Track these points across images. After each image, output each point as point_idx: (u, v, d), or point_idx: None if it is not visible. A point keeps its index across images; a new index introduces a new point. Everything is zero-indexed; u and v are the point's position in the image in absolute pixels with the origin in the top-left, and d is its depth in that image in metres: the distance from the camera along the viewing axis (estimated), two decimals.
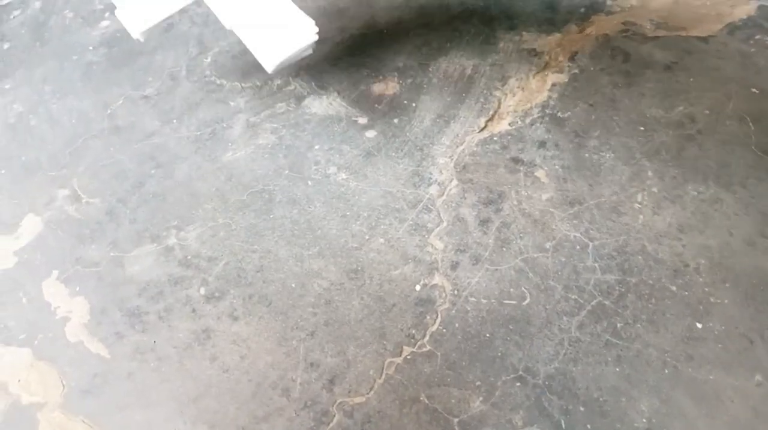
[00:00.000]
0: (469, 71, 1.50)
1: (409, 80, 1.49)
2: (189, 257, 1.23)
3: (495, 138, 1.37)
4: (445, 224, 1.24)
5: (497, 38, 1.57)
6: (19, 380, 1.13)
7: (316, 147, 1.38)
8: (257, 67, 1.50)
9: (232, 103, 1.47)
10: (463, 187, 1.29)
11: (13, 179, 1.38)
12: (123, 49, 1.56)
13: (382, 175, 1.32)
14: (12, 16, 1.72)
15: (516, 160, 1.33)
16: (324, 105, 1.45)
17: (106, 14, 1.73)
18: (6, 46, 1.64)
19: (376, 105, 1.45)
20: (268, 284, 1.19)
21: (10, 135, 1.45)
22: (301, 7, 1.46)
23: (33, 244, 1.28)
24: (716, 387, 1.02)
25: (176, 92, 1.49)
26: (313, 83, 1.50)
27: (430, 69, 1.51)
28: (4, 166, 1.40)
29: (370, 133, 1.40)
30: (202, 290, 1.18)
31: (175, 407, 1.08)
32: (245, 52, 1.58)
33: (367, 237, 1.23)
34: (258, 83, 1.50)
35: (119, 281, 1.22)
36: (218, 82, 1.51)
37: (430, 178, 1.31)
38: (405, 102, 1.45)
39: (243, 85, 1.50)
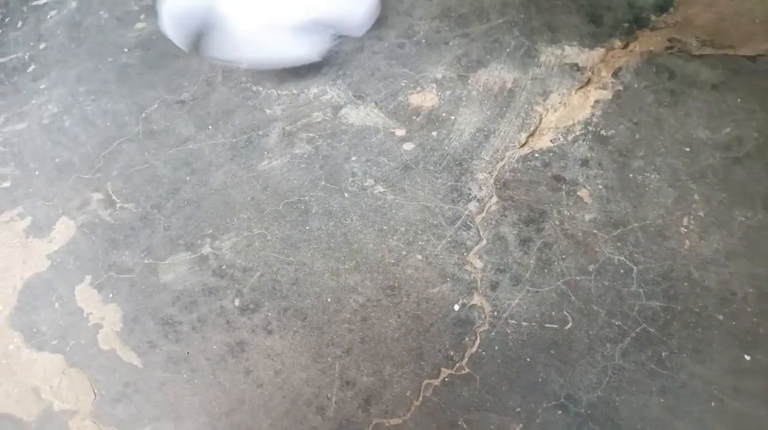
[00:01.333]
0: (509, 85, 1.49)
1: (448, 92, 1.48)
2: (224, 267, 1.23)
3: (536, 154, 1.36)
4: (484, 242, 1.23)
5: (538, 51, 1.55)
6: (51, 387, 1.13)
7: (353, 158, 1.37)
8: (294, 75, 1.50)
9: (268, 111, 1.47)
10: (504, 205, 1.28)
11: (47, 181, 1.38)
12: (158, 51, 1.57)
13: (420, 190, 1.31)
14: (49, 16, 1.73)
15: (558, 179, 1.32)
16: (361, 115, 1.45)
17: (142, 16, 1.73)
18: (42, 46, 1.65)
19: (414, 117, 1.44)
20: (303, 297, 1.18)
21: (45, 136, 1.46)
22: None
23: (66, 248, 1.28)
24: (764, 424, 1.00)
25: (212, 98, 1.50)
26: (350, 93, 1.49)
27: (470, 81, 1.50)
28: (38, 168, 1.41)
29: (408, 146, 1.39)
30: (237, 302, 1.18)
31: (207, 421, 1.08)
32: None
33: (404, 253, 1.22)
34: (294, 91, 1.50)
35: (153, 289, 1.22)
36: (254, 88, 1.51)
37: (470, 194, 1.30)
38: (444, 115, 1.44)
39: (279, 92, 1.50)
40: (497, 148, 1.37)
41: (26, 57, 1.64)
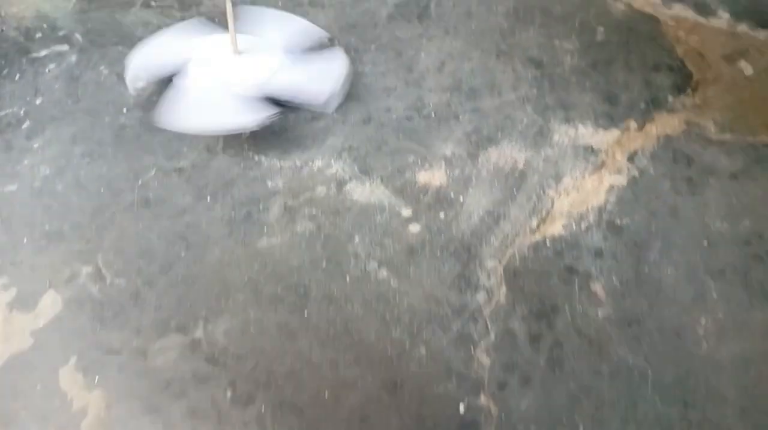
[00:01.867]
0: (521, 165, 1.50)
1: (457, 171, 1.49)
2: (216, 354, 1.21)
3: (548, 242, 1.36)
4: (492, 337, 1.22)
5: (551, 130, 1.57)
6: None
7: (357, 239, 1.37)
8: (298, 146, 1.51)
9: (269, 183, 1.47)
10: (513, 297, 1.27)
11: (35, 250, 1.37)
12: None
13: (426, 276, 1.31)
14: (47, 69, 1.75)
15: (570, 270, 1.31)
16: (366, 192, 1.45)
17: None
18: (39, 101, 1.66)
19: (422, 196, 1.45)
20: (300, 391, 1.16)
21: (36, 200, 1.46)
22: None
23: (52, 325, 1.26)
24: None
25: (212, 166, 1.50)
26: (356, 167, 1.50)
27: (480, 160, 1.51)
28: (26, 235, 1.40)
29: (414, 227, 1.39)
30: (229, 393, 1.16)
31: None
32: (285, 127, 1.59)
33: (407, 346, 1.21)
34: (298, 163, 1.51)
35: (141, 373, 1.20)
36: (256, 158, 1.51)
37: (478, 284, 1.29)
38: (452, 195, 1.45)
39: (282, 163, 1.50)
40: (507, 234, 1.37)
41: (21, 112, 1.65)
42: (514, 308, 1.26)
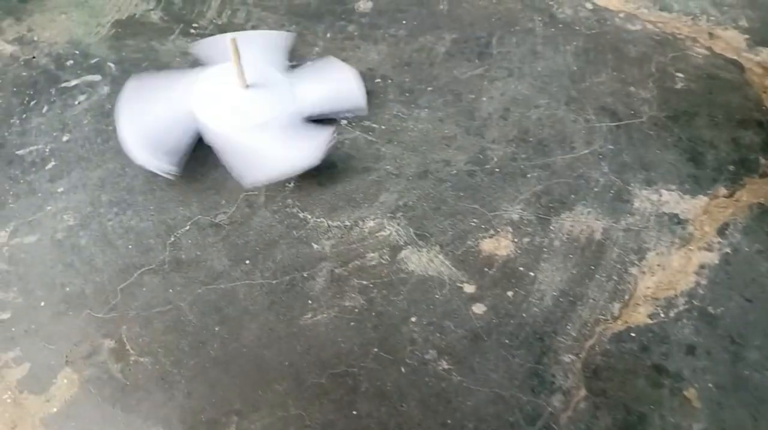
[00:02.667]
0: (598, 236, 1.28)
1: (526, 239, 1.28)
2: None
3: (632, 333, 1.15)
4: None
5: (631, 194, 1.35)
6: None
7: (413, 319, 1.17)
8: (347, 201, 1.32)
9: (315, 246, 1.27)
10: (595, 402, 1.06)
11: (53, 316, 1.19)
12: (194, 158, 1.38)
13: (494, 370, 1.10)
14: (77, 101, 1.57)
15: (659, 370, 1.10)
16: (423, 261, 1.25)
17: None
18: (66, 137, 1.49)
19: (486, 269, 1.24)
20: None
21: (56, 255, 1.27)
22: (399, 129, 1.44)
23: (66, 412, 1.08)
24: None
25: (252, 223, 1.31)
26: (411, 231, 1.29)
27: (552, 227, 1.30)
28: (44, 297, 1.22)
29: (479, 308, 1.18)
30: None
31: None
32: (334, 179, 1.39)
33: None
34: (347, 223, 1.31)
35: None
36: (301, 215, 1.32)
37: (553, 384, 1.08)
38: (521, 269, 1.23)
39: (330, 223, 1.31)
40: (585, 321, 1.16)
41: (47, 150, 1.47)
42: (596, 416, 1.05)
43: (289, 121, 1.41)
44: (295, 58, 1.64)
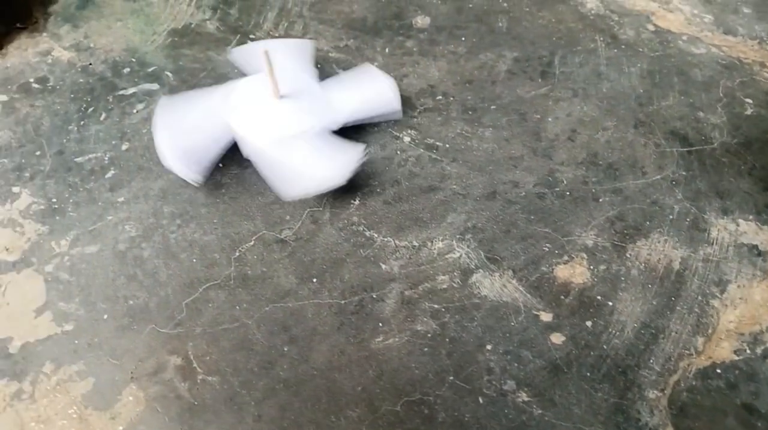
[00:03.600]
0: (676, 265, 1.22)
1: (602, 267, 1.22)
2: None
3: (718, 369, 1.08)
4: None
5: (707, 223, 1.29)
6: None
7: (488, 347, 1.11)
8: (414, 220, 1.27)
9: (383, 266, 1.21)
10: None
11: (117, 330, 1.14)
12: (254, 171, 1.34)
13: (576, 405, 1.04)
14: (135, 110, 1.53)
15: (749, 409, 1.03)
16: (496, 286, 1.19)
17: None
18: (125, 146, 1.44)
19: (562, 296, 1.17)
20: None
21: (118, 266, 1.23)
22: (464, 148, 1.40)
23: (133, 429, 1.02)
24: None
25: (318, 240, 1.25)
26: (482, 253, 1.24)
27: (628, 254, 1.24)
28: (107, 310, 1.17)
29: (557, 338, 1.12)
30: None
31: None
32: (399, 197, 1.34)
33: None
34: (415, 243, 1.25)
35: None
36: (368, 233, 1.26)
37: (639, 421, 1.02)
38: (599, 298, 1.17)
39: (397, 242, 1.25)
40: (669, 355, 1.10)
41: (106, 158, 1.43)
42: None
43: (321, 133, 1.38)
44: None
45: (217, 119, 1.38)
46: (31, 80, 1.64)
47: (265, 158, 1.32)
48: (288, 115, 1.38)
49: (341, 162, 1.30)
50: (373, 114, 1.48)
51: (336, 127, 1.38)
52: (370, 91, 1.51)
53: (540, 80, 1.62)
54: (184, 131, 1.40)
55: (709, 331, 1.15)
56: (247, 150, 1.34)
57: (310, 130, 1.36)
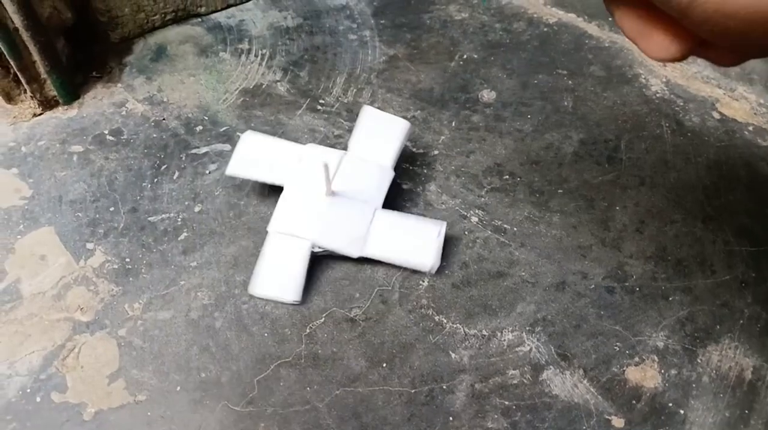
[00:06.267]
0: (748, 375, 1.20)
1: (673, 371, 1.20)
2: None
3: None
4: None
5: None
6: None
7: None
8: (483, 307, 1.26)
9: (453, 355, 1.20)
10: None
11: (190, 405, 1.14)
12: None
13: None
14: (208, 171, 1.55)
15: None
16: (568, 386, 1.17)
17: None
18: (197, 208, 1.46)
19: (634, 401, 1.16)
20: None
21: (191, 336, 1.23)
22: (532, 233, 1.39)
23: None
24: None
25: (387, 322, 1.25)
26: (552, 349, 1.22)
27: (699, 360, 1.21)
28: (180, 382, 1.17)
29: None
30: None
31: None
32: (468, 282, 1.33)
33: None
34: (485, 332, 1.24)
35: None
36: (437, 318, 1.26)
37: None
38: (670, 405, 1.15)
39: (467, 330, 1.24)
40: None
41: (179, 220, 1.44)
42: None
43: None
44: (422, 146, 1.61)
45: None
46: (106, 132, 1.68)
47: (378, 253, 1.35)
48: (356, 204, 1.40)
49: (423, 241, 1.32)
50: (402, 137, 1.49)
51: (392, 176, 1.44)
52: (381, 128, 1.48)
53: (607, 165, 1.62)
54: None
55: None
56: (355, 256, 1.35)
57: (378, 206, 1.41)
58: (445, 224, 1.35)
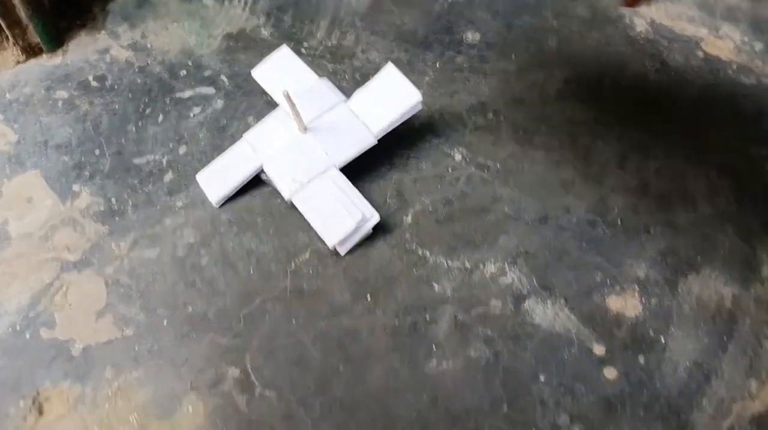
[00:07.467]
0: (728, 304, 1.17)
1: (654, 300, 1.17)
2: None
3: None
4: None
5: (759, 261, 1.24)
6: None
7: (542, 378, 1.06)
8: (466, 241, 1.22)
9: (436, 287, 1.17)
10: None
11: (177, 338, 1.11)
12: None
13: None
14: (192, 114, 1.49)
15: None
16: (549, 315, 1.14)
17: None
18: (182, 150, 1.40)
19: (614, 329, 1.13)
20: None
21: (178, 273, 1.19)
22: (515, 169, 1.35)
23: None
24: None
25: (371, 256, 1.21)
26: (534, 279, 1.19)
27: (680, 290, 1.19)
28: (167, 316, 1.13)
29: (610, 373, 1.07)
30: None
31: None
32: (451, 217, 1.29)
33: None
34: (468, 265, 1.21)
35: None
36: (420, 252, 1.22)
37: None
38: (651, 333, 1.13)
39: (450, 263, 1.21)
40: (721, 398, 1.05)
41: (164, 161, 1.39)
42: None
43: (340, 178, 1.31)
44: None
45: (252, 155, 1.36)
46: (91, 78, 1.60)
47: (302, 206, 1.27)
48: (312, 152, 1.33)
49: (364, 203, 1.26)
50: (404, 111, 1.37)
51: (371, 144, 1.32)
52: (391, 92, 1.40)
53: (590, 103, 1.56)
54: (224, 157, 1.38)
55: (763, 375, 1.10)
56: (285, 197, 1.28)
57: (340, 165, 1.31)
58: (376, 217, 1.28)
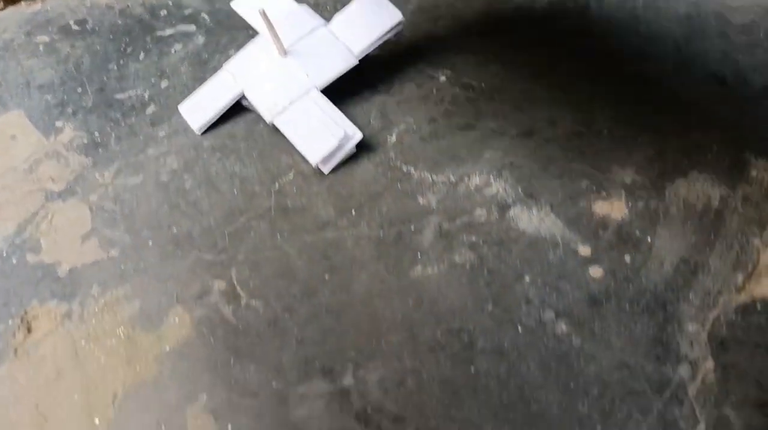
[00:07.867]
0: (716, 204, 1.14)
1: (641, 203, 1.15)
2: (369, 410, 0.92)
3: (758, 306, 1.01)
4: (703, 426, 0.88)
5: (747, 164, 1.21)
6: None
7: (527, 279, 1.05)
8: (450, 156, 1.20)
9: (421, 200, 1.15)
10: (724, 375, 0.94)
11: (162, 256, 1.10)
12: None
13: (615, 336, 0.98)
14: (173, 50, 1.46)
15: None
16: (534, 221, 1.12)
17: None
18: (164, 84, 1.38)
19: (600, 231, 1.11)
20: None
21: (162, 197, 1.18)
22: (500, 87, 1.33)
23: (179, 351, 0.99)
24: None
25: (355, 174, 1.19)
26: (519, 189, 1.17)
27: (667, 192, 1.16)
28: (151, 237, 1.12)
29: (595, 271, 1.05)
30: None
31: None
32: (435, 135, 1.27)
33: (599, 428, 0.88)
34: (452, 178, 1.19)
35: (281, 425, 0.91)
36: (405, 169, 1.20)
37: (678, 353, 0.96)
38: (637, 233, 1.10)
39: (434, 177, 1.18)
40: (708, 290, 1.03)
41: (146, 95, 1.37)
42: (726, 390, 0.92)
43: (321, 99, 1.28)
44: None
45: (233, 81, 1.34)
46: (71, 22, 1.58)
47: (284, 128, 1.24)
48: (294, 74, 1.29)
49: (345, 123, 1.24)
50: (386, 30, 1.34)
51: (352, 64, 1.28)
52: (372, 13, 1.36)
53: (577, 19, 1.52)
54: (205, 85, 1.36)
55: (749, 268, 1.08)
56: (267, 120, 1.26)
57: (321, 86, 1.28)
58: (359, 135, 1.27)
